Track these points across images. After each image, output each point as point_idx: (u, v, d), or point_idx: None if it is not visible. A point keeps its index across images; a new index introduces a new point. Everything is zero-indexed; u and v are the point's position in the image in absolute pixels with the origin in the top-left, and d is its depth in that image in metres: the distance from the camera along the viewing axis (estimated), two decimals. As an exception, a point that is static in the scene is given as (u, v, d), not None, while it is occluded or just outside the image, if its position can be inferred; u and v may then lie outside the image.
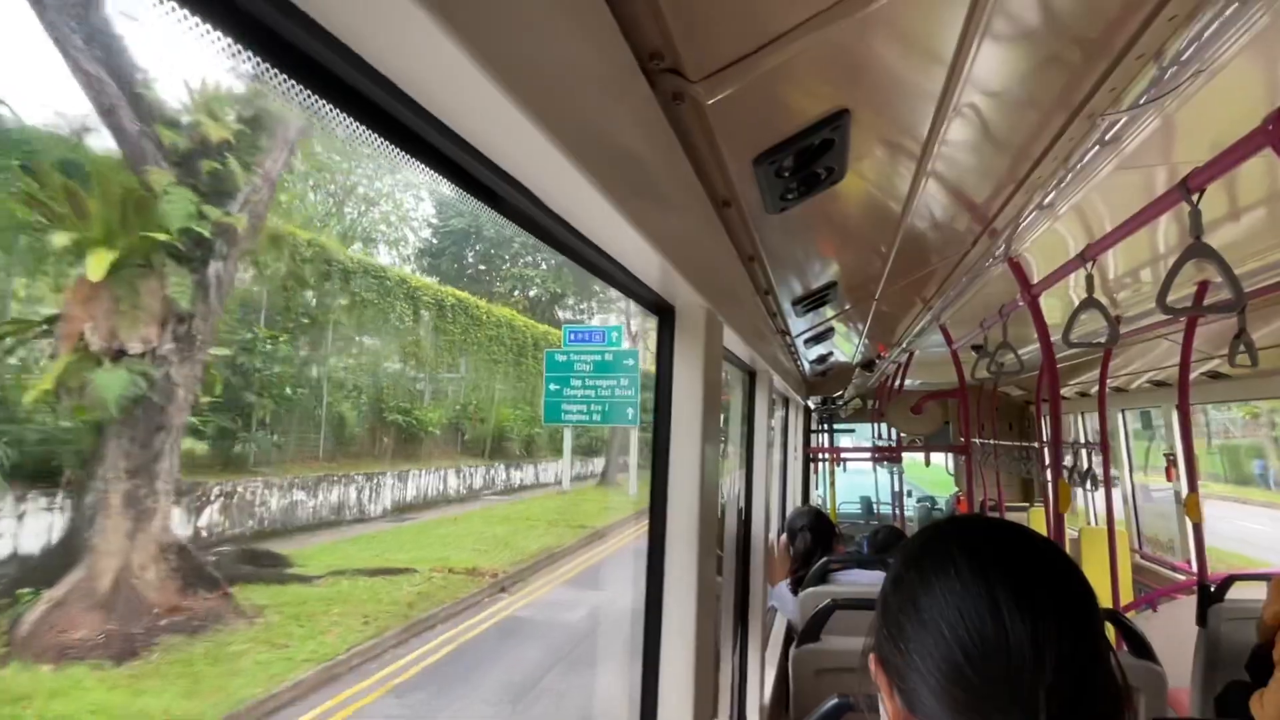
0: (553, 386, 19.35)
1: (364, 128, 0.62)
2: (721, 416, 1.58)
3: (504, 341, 23.13)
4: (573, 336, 20.99)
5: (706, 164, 1.06)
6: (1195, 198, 1.56)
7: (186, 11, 0.45)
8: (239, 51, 0.49)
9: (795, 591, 3.31)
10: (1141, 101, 1.25)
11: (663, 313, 1.36)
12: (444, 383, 21.04)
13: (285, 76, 0.52)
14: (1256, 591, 3.50)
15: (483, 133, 0.66)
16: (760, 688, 3.07)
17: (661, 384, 1.38)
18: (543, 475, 24.13)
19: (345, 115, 0.60)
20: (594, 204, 0.80)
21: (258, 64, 0.51)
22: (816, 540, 3.61)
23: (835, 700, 1.48)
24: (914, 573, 0.71)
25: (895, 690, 0.70)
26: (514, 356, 23.59)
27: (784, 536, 3.96)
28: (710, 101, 0.86)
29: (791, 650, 2.40)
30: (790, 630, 3.60)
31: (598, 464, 27.18)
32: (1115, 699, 0.65)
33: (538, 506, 20.19)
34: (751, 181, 1.14)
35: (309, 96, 0.57)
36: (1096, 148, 1.46)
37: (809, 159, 1.10)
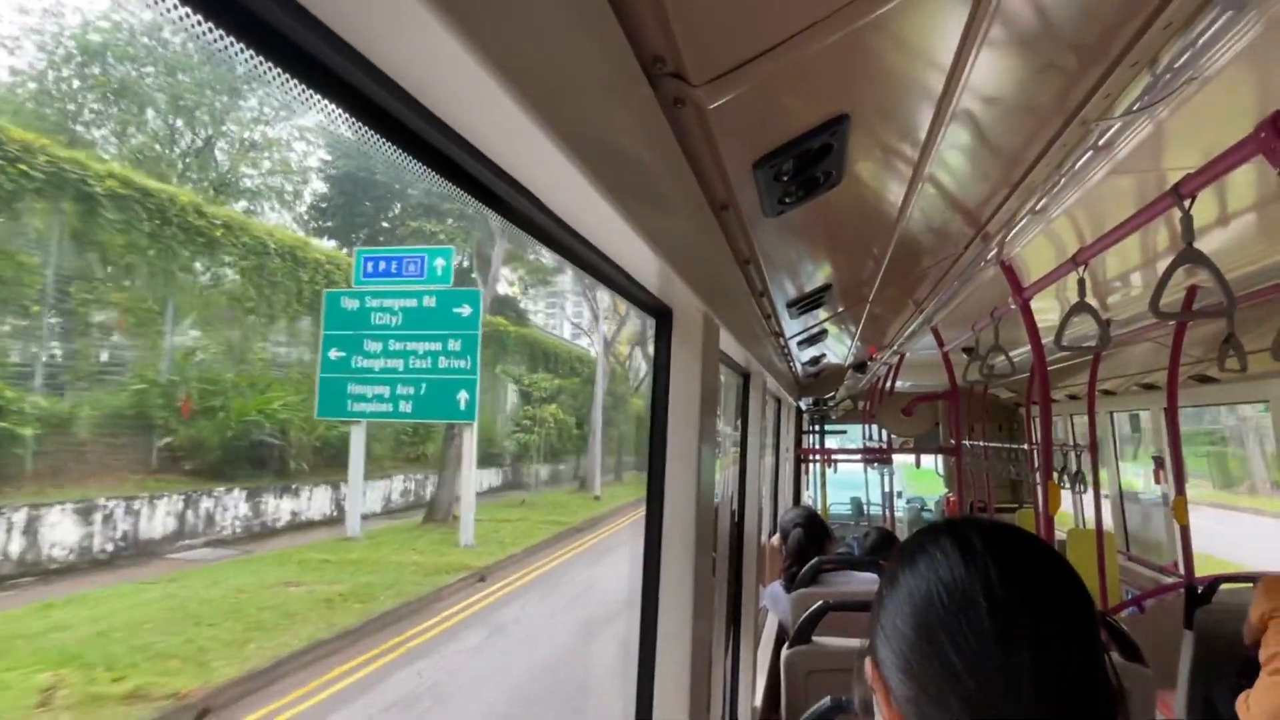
0: (334, 354, 11.92)
1: (364, 126, 0.61)
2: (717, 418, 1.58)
3: (267, 276, 13.68)
4: (371, 268, 12.76)
5: (706, 168, 1.06)
6: (1187, 204, 1.57)
7: (188, 9, 0.45)
8: (239, 49, 0.49)
9: (789, 590, 3.32)
10: (1135, 108, 1.26)
11: (661, 316, 1.36)
12: (122, 345, 12.21)
13: (290, 76, 0.52)
14: (1244, 593, 3.52)
15: (483, 132, 0.66)
16: (752, 689, 3.07)
17: (659, 387, 1.39)
18: (332, 503, 14.34)
19: (346, 113, 0.59)
20: (594, 206, 0.80)
21: (260, 61, 0.51)
22: (809, 540, 3.61)
23: (828, 702, 1.48)
24: (907, 577, 0.71)
25: (891, 695, 0.70)
26: (285, 300, 14.09)
27: (776, 537, 3.97)
28: (712, 106, 0.86)
29: (784, 651, 2.40)
30: (782, 631, 3.61)
31: (431, 484, 17.11)
32: (1110, 702, 0.64)
33: (287, 569, 10.56)
34: (750, 185, 1.14)
35: (312, 95, 0.57)
36: (1090, 153, 1.47)
37: (808, 163, 1.10)
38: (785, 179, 1.12)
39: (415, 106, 0.59)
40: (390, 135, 0.63)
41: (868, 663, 0.74)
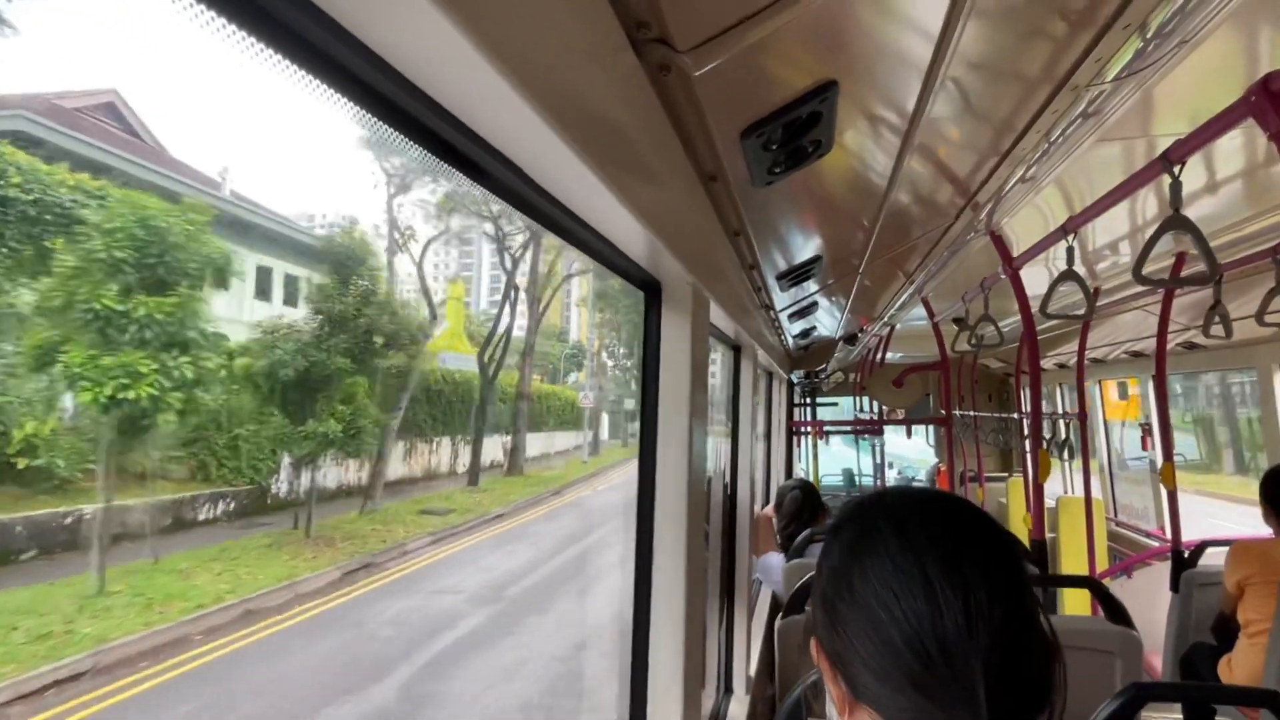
0: None
1: (340, 96, 0.60)
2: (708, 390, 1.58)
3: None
4: None
5: (694, 137, 1.04)
6: (1176, 169, 1.57)
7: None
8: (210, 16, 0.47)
9: (785, 551, 3.37)
10: (1125, 74, 1.25)
11: (649, 289, 1.35)
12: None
13: (255, 39, 0.50)
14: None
15: (463, 101, 0.64)
16: (746, 658, 3.10)
17: (649, 361, 1.38)
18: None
19: (321, 83, 0.58)
20: (580, 177, 0.79)
21: (234, 30, 0.49)
22: (805, 505, 3.65)
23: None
24: (845, 555, 0.71)
25: (838, 674, 0.71)
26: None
27: (769, 507, 4.00)
28: (698, 73, 0.84)
29: (777, 622, 2.43)
30: (776, 601, 3.65)
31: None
32: (1048, 657, 0.66)
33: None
34: (739, 155, 1.13)
35: (280, 61, 0.55)
36: (1079, 120, 1.46)
37: (797, 132, 1.09)
38: (774, 148, 1.10)
39: (390, 73, 0.58)
40: (367, 105, 0.62)
41: (813, 643, 0.75)
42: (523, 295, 24.58)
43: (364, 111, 0.63)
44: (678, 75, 0.84)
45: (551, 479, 23.61)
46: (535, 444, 28.53)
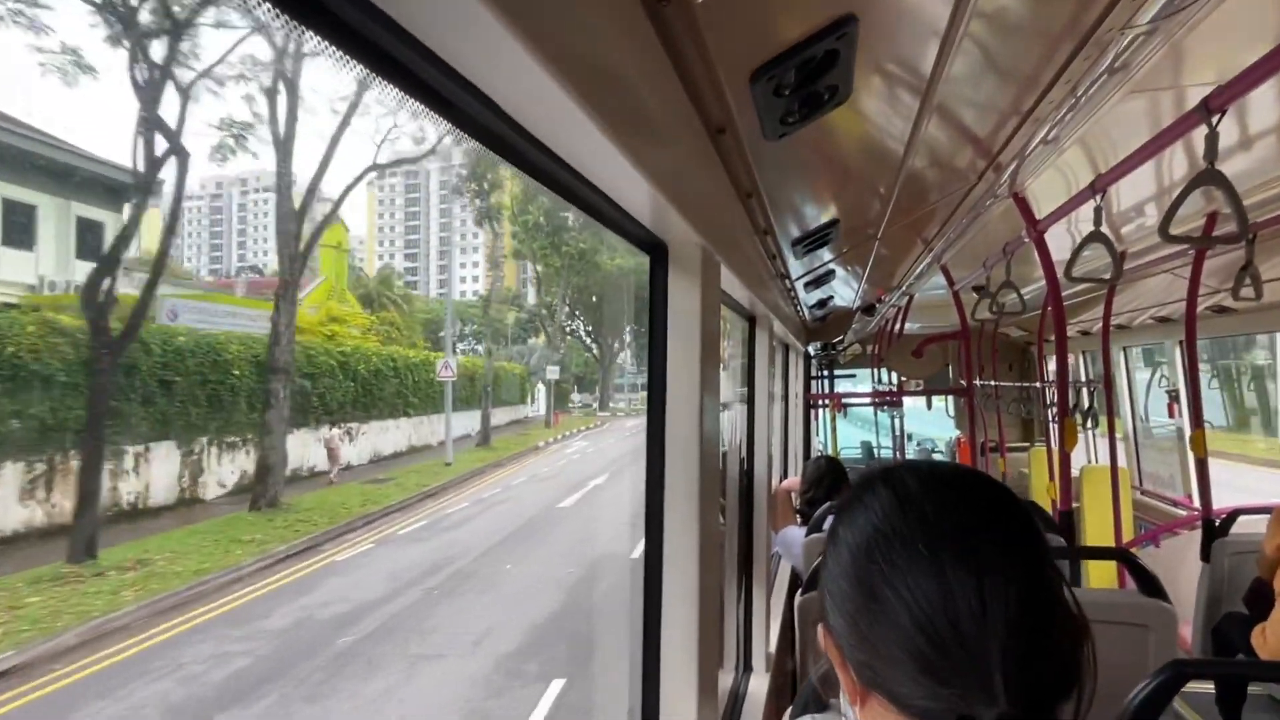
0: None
1: (328, 44, 0.55)
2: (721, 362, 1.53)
3: None
4: None
5: (699, 82, 0.97)
6: (1215, 119, 1.49)
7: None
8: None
9: (805, 515, 3.38)
10: (1157, 18, 1.17)
11: (655, 251, 1.29)
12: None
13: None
14: (1260, 526, 3.50)
15: (441, 35, 0.58)
16: (766, 635, 3.08)
17: (655, 328, 1.32)
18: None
19: (308, 29, 0.53)
20: (572, 122, 0.72)
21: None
22: (825, 476, 3.64)
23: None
24: (851, 534, 0.67)
25: (847, 661, 0.67)
26: None
27: (788, 481, 3.99)
28: (701, 0, 0.77)
29: (796, 598, 2.40)
30: (796, 576, 3.62)
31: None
32: (1074, 634, 0.61)
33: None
34: (748, 102, 1.05)
35: (280, 14, 0.51)
36: (1106, 75, 1.38)
37: (812, 75, 1.01)
38: (786, 94, 1.03)
39: (370, 10, 0.53)
40: (356, 53, 0.57)
41: (820, 630, 0.71)
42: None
43: (358, 63, 0.58)
44: (678, 6, 0.77)
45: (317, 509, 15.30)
46: (388, 438, 22.09)
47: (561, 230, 39.13)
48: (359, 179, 21.97)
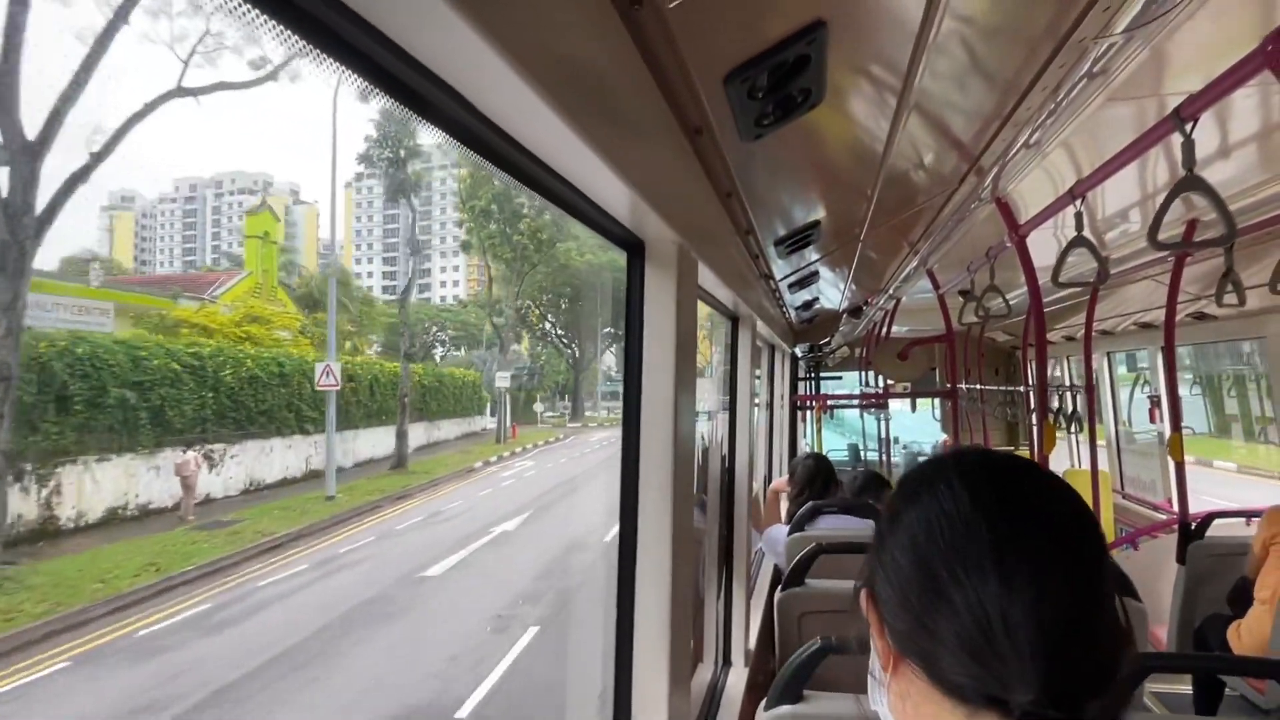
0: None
1: (300, 40, 0.56)
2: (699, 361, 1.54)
3: None
4: None
5: (674, 83, 0.98)
6: (1189, 127, 1.51)
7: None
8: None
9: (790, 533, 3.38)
10: (1134, 25, 1.18)
11: (632, 249, 1.30)
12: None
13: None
14: (1236, 529, 3.55)
15: (414, 36, 0.59)
16: (745, 631, 3.09)
17: (632, 325, 1.33)
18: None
19: (278, 25, 0.54)
20: (547, 122, 0.73)
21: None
22: (815, 478, 3.67)
23: (818, 642, 1.48)
24: (912, 509, 0.68)
25: (887, 628, 0.68)
26: None
27: (779, 480, 4.02)
28: (672, 5, 0.78)
29: (777, 594, 2.41)
30: (778, 573, 3.64)
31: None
32: (1117, 639, 0.63)
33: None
34: (724, 104, 1.07)
35: (256, 14, 0.52)
36: (1085, 80, 1.40)
37: (785, 78, 1.02)
38: (760, 96, 1.04)
39: (339, 8, 0.53)
40: (329, 50, 0.57)
41: (863, 595, 0.72)
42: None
43: (330, 59, 0.58)
44: (650, 10, 0.78)
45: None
46: (273, 461, 17.78)
47: (516, 219, 35.21)
48: (153, 105, 15.36)
